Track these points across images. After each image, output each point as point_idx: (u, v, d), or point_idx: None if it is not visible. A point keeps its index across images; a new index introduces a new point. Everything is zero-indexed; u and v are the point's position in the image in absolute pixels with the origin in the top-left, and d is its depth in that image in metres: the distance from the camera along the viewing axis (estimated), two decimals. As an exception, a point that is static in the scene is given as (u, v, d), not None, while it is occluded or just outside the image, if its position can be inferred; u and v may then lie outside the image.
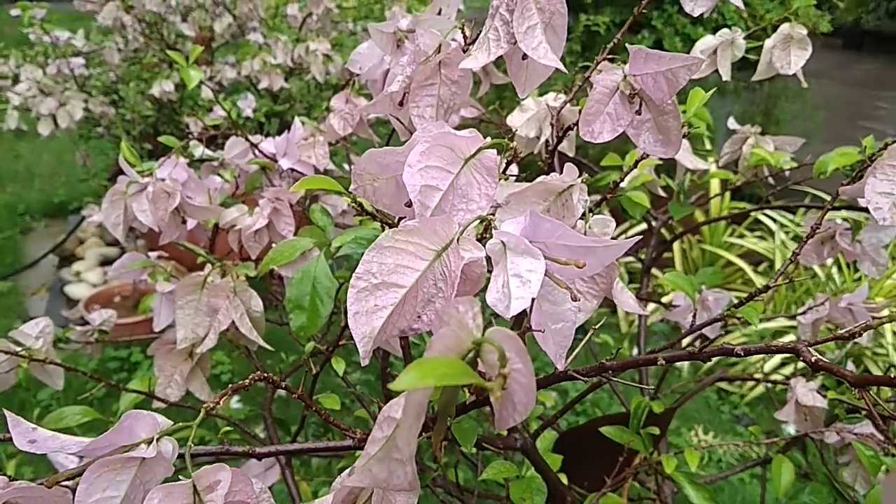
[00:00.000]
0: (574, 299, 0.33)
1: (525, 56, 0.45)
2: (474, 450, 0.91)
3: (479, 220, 0.36)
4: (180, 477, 0.33)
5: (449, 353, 0.23)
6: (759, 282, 2.76)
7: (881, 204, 0.48)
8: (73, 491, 0.38)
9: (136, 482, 0.33)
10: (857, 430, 0.88)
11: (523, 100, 0.78)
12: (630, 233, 2.86)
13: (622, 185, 1.03)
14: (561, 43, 0.46)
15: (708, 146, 3.00)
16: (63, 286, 2.75)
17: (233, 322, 0.78)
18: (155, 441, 0.33)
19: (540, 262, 0.32)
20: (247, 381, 0.37)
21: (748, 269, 2.75)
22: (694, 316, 0.68)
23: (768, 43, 0.89)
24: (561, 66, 0.43)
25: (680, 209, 1.07)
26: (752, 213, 2.71)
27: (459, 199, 0.39)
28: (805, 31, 0.88)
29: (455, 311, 0.25)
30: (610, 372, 0.40)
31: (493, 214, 0.44)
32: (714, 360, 1.92)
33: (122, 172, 2.61)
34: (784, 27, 0.88)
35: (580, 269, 0.32)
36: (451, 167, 0.39)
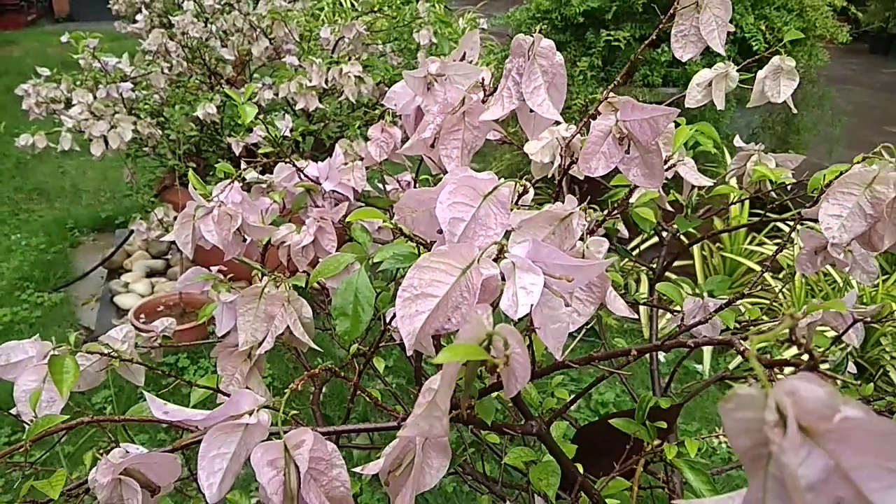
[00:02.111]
0: (567, 305, 0.44)
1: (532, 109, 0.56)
2: (498, 440, 1.02)
3: (495, 245, 0.47)
4: (273, 438, 0.44)
5: (471, 341, 0.34)
6: (779, 288, 2.83)
7: (831, 224, 0.58)
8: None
9: (242, 442, 0.44)
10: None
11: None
12: (644, 245, 2.95)
13: (631, 201, 1.14)
14: (562, 97, 0.57)
15: (728, 158, 3.07)
16: (112, 297, 2.91)
17: (287, 327, 0.90)
18: (256, 412, 0.44)
19: (540, 277, 0.43)
20: (316, 369, 0.49)
21: (768, 275, 2.82)
22: (682, 319, 0.78)
23: (760, 74, 0.99)
24: (560, 119, 0.54)
25: (686, 223, 1.16)
26: (773, 221, 2.79)
27: (480, 227, 0.50)
28: (793, 64, 0.97)
29: (475, 314, 0.35)
30: (597, 361, 0.50)
31: (508, 238, 0.55)
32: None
33: (166, 188, 2.75)
34: (774, 60, 0.98)
35: (570, 283, 0.43)
36: (473, 202, 0.50)
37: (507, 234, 0.56)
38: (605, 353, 0.50)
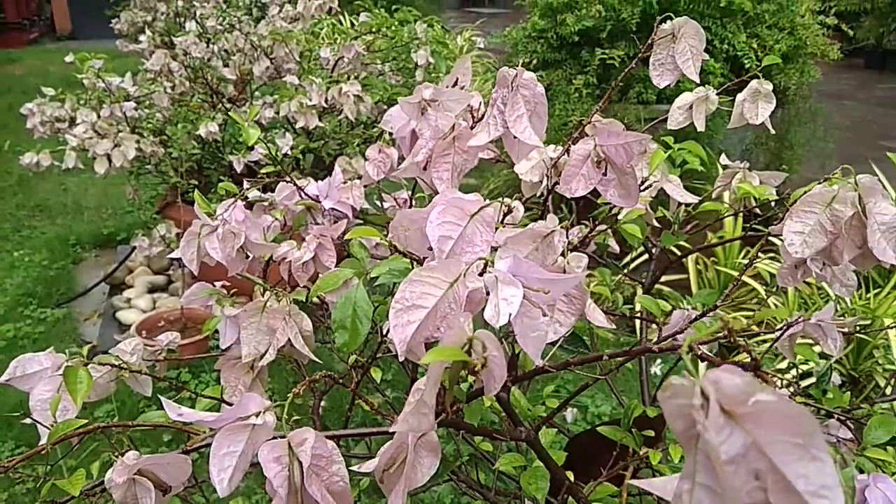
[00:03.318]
0: (544, 315, 0.48)
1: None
2: (492, 448, 1.05)
3: (480, 260, 0.52)
4: (276, 437, 0.48)
5: (453, 345, 0.38)
6: (772, 302, 2.87)
7: (794, 240, 0.63)
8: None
9: (249, 441, 0.48)
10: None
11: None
12: (639, 260, 3.00)
13: (620, 217, 1.18)
14: (543, 124, 0.62)
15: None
16: (115, 312, 2.95)
17: (288, 339, 0.94)
18: (262, 414, 0.49)
19: (519, 290, 0.47)
20: (317, 375, 0.53)
21: (761, 289, 2.86)
22: (660, 330, 0.82)
23: (740, 97, 1.04)
24: (540, 145, 0.58)
25: (671, 239, 1.21)
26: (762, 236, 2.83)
27: (466, 244, 0.55)
28: (770, 87, 1.02)
29: (458, 321, 0.40)
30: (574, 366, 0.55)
31: (494, 253, 0.59)
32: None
33: (168, 205, 2.79)
34: (753, 83, 1.03)
35: (547, 295, 0.47)
36: (460, 221, 0.55)
37: (494, 250, 0.60)
38: (580, 359, 0.54)
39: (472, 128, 0.67)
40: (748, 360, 0.55)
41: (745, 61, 3.29)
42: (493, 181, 3.71)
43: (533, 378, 0.58)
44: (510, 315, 0.45)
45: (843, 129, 6.15)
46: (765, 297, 2.81)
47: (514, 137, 0.61)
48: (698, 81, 0.80)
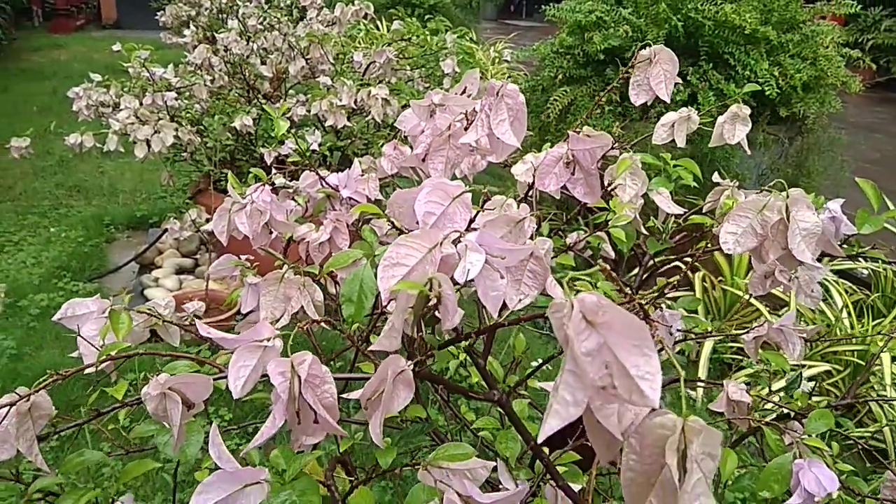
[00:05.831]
0: (501, 277, 0.60)
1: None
2: (474, 417, 1.17)
3: (455, 232, 0.64)
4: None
5: (418, 281, 0.50)
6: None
7: (727, 239, 0.74)
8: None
9: (260, 359, 0.61)
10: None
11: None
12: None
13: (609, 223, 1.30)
14: (523, 129, 0.74)
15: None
16: (143, 290, 3.11)
17: (301, 307, 1.07)
18: (272, 339, 0.61)
19: (482, 255, 0.59)
20: (319, 319, 0.65)
21: (765, 310, 2.95)
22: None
23: (720, 119, 1.15)
24: (518, 145, 0.71)
25: (657, 245, 1.32)
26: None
27: (447, 220, 0.67)
28: (748, 111, 1.13)
29: (423, 267, 0.52)
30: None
31: (470, 231, 0.71)
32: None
33: (200, 192, 2.94)
34: (732, 108, 1.14)
35: (503, 260, 0.59)
36: (443, 202, 0.67)
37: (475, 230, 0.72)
38: (528, 316, 0.66)
39: (465, 129, 0.79)
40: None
41: (766, 88, 3.37)
42: (513, 190, 3.83)
43: (493, 331, 0.69)
44: (470, 272, 0.57)
45: (871, 162, 6.17)
46: (768, 317, 2.89)
47: (497, 138, 0.73)
48: (669, 101, 0.91)
